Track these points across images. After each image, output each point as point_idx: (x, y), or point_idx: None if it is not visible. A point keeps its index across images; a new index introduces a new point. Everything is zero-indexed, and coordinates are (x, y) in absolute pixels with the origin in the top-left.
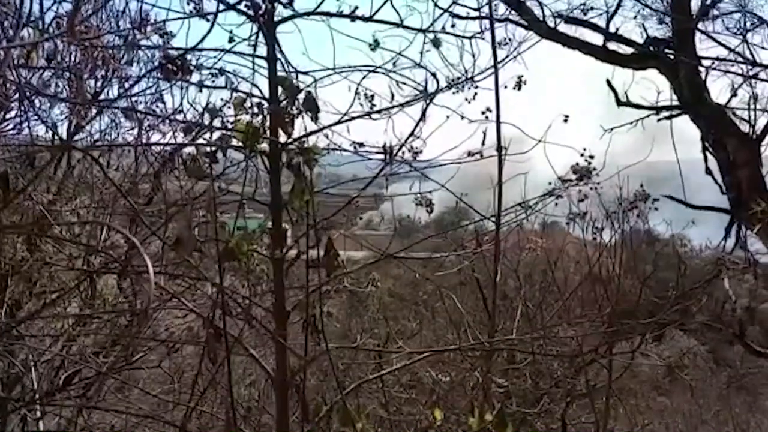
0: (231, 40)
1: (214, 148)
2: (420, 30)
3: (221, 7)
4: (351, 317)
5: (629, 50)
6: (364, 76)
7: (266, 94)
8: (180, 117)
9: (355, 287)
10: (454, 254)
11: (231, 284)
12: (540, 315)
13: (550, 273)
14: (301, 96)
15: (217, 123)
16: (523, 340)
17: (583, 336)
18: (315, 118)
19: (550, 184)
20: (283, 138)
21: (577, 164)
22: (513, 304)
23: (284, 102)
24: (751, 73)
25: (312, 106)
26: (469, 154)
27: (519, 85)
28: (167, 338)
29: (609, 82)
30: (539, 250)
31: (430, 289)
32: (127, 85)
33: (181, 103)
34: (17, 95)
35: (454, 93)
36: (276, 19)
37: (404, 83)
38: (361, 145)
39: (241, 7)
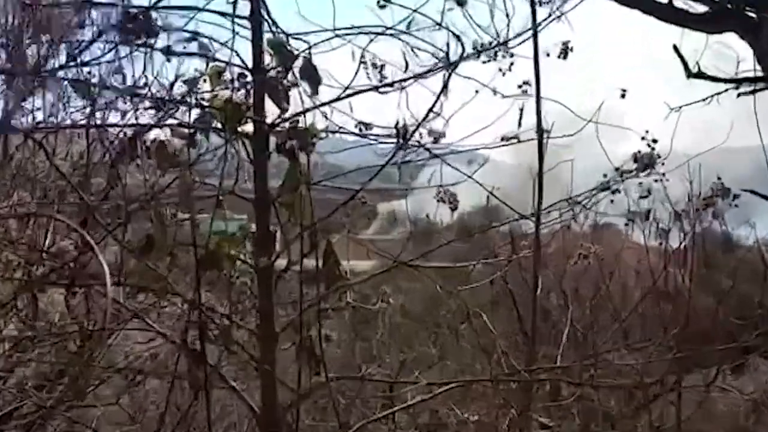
0: None
1: (186, 130)
2: None
3: None
4: (355, 341)
5: (702, 8)
6: (371, 40)
7: (250, 63)
8: (143, 92)
9: (361, 304)
10: (483, 263)
11: (206, 301)
12: (591, 338)
13: (603, 286)
14: (297, 63)
15: (189, 99)
16: (570, 369)
17: (646, 365)
18: (315, 91)
19: (604, 176)
20: (271, 117)
21: (638, 151)
22: (557, 326)
23: (274, 71)
24: None
25: (312, 75)
26: (503, 138)
27: (564, 52)
28: (127, 367)
29: (676, 49)
30: (590, 257)
31: (454, 306)
32: (77, 52)
33: (144, 75)
34: None
35: (483, 62)
36: None
37: (421, 49)
38: (369, 126)
39: None
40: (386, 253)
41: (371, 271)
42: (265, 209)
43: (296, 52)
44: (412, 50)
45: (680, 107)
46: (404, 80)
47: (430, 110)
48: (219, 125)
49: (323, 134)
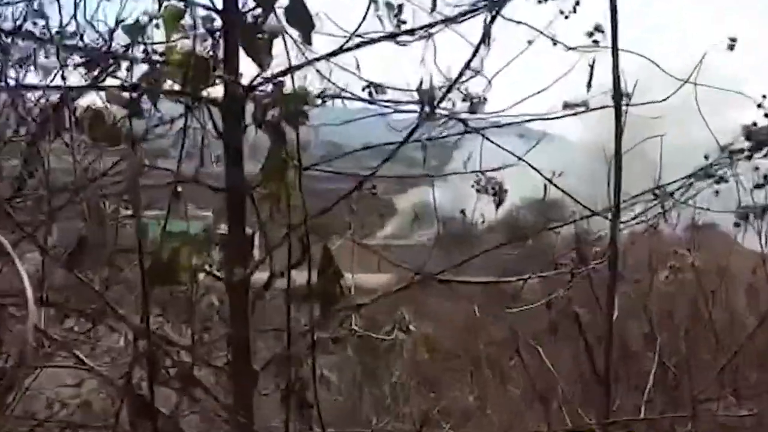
0: None
1: (131, 95)
2: None
3: None
4: (362, 385)
5: None
6: None
7: (219, 2)
8: (73, 42)
9: (370, 333)
10: (539, 277)
11: (159, 327)
12: (688, 380)
13: (705, 310)
14: (283, 2)
15: (136, 52)
16: (658, 422)
17: (762, 418)
18: (307, 41)
19: (705, 157)
20: (248, 77)
21: (753, 124)
22: (640, 363)
23: (251, 14)
24: None
25: (302, 19)
26: (566, 105)
27: None
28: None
29: None
30: (686, 269)
31: (498, 336)
32: None
33: (74, 19)
34: None
35: (538, 1)
36: None
37: None
38: (382, 89)
39: None
40: (405, 263)
41: (385, 287)
42: (239, 203)
43: None
44: None
45: None
46: (430, 26)
47: (466, 67)
48: (176, 88)
49: (319, 101)
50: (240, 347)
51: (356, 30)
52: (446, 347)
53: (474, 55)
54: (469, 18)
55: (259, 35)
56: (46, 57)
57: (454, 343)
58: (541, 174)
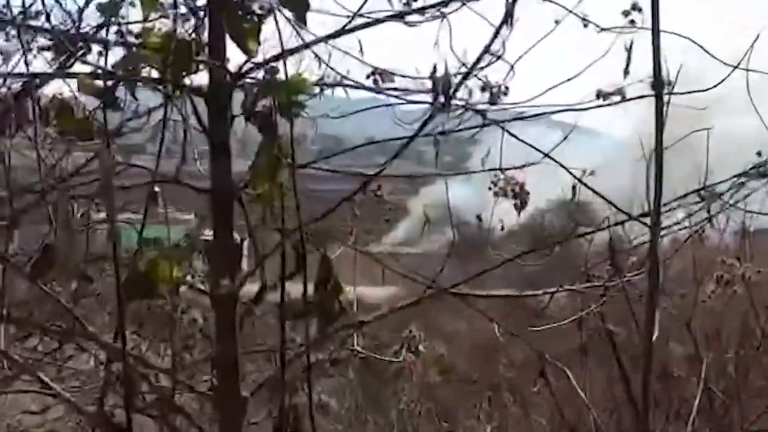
0: None
1: (103, 83)
2: None
3: None
4: (366, 412)
5: None
6: None
7: None
8: (38, 23)
9: (375, 354)
10: (566, 290)
11: (135, 346)
12: (738, 408)
13: (757, 328)
14: None
15: (110, 34)
16: None
17: None
18: (301, 21)
19: (758, 154)
20: (235, 63)
21: None
22: (684, 388)
23: None
24: None
25: None
26: (599, 95)
27: None
28: None
29: None
30: (736, 282)
31: (520, 358)
32: None
33: None
34: None
35: None
36: None
37: None
38: (389, 76)
39: None
40: (415, 274)
41: (391, 302)
42: (226, 206)
43: None
44: None
45: None
46: (444, 3)
47: (486, 51)
48: (155, 75)
49: (317, 89)
50: (227, 370)
51: (360, 9)
52: (461, 370)
53: (494, 37)
54: None
55: (248, 16)
56: (7, 40)
57: (470, 366)
58: (569, 172)
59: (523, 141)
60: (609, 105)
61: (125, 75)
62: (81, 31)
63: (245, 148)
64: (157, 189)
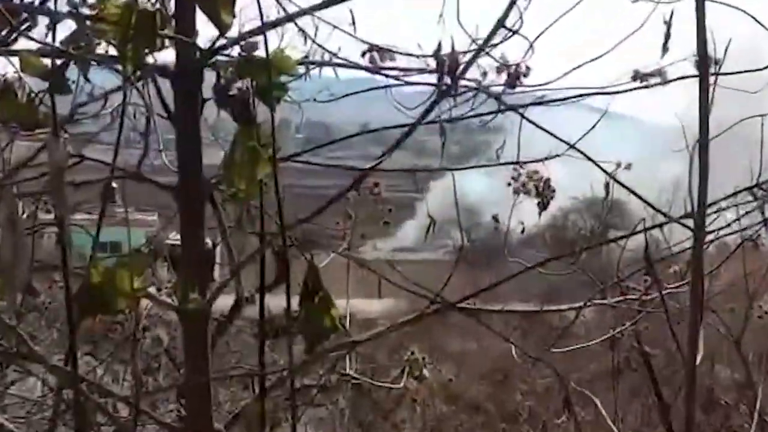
0: None
1: (54, 61)
2: None
3: None
4: None
5: None
6: None
7: None
8: None
9: (371, 380)
10: (594, 305)
11: (90, 370)
12: None
13: None
14: None
15: (59, 4)
16: None
17: None
18: None
19: None
20: (206, 38)
21: None
22: (732, 418)
23: None
24: None
25: None
26: (636, 76)
27: None
28: None
29: None
30: None
31: (540, 384)
32: None
33: None
34: None
35: None
36: None
37: None
38: (387, 53)
39: None
40: (418, 286)
41: (390, 318)
42: (195, 205)
43: None
44: None
45: None
46: None
47: (500, 25)
48: (113, 52)
49: (301, 69)
50: (197, 397)
51: None
52: (472, 397)
53: (510, 7)
54: None
55: None
56: None
57: (482, 393)
58: (599, 166)
59: (544, 129)
60: (646, 87)
61: (77, 53)
62: (25, 0)
63: (218, 137)
64: (114, 185)
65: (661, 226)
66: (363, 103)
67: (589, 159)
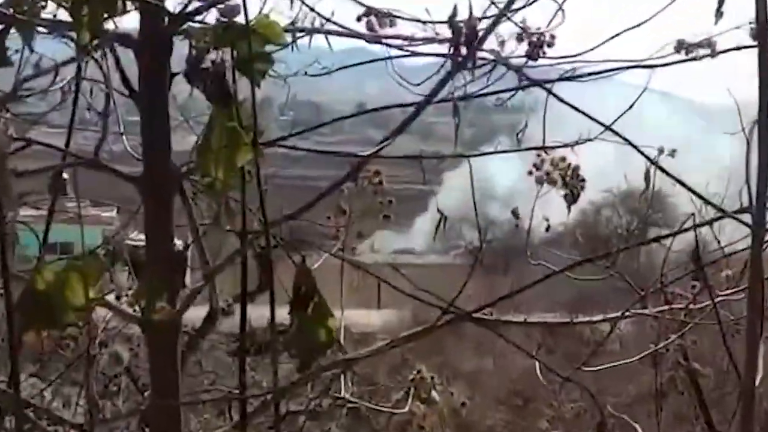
0: None
1: None
2: None
3: None
4: None
5: None
6: None
7: None
8: None
9: (370, 404)
10: (633, 316)
11: (35, 394)
12: None
13: None
14: None
15: None
16: None
17: None
18: None
19: None
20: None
21: None
22: None
23: None
24: None
25: None
26: (681, 47)
27: None
28: None
29: None
30: None
31: (570, 409)
32: None
33: None
34: None
35: None
36: None
37: None
38: (388, 18)
39: None
40: (425, 294)
41: (391, 331)
42: (162, 199)
43: None
44: None
45: None
46: None
47: None
48: (63, 17)
49: (288, 37)
50: (163, 425)
51: None
52: (488, 425)
53: None
54: None
55: None
56: None
57: (501, 419)
58: (640, 152)
59: (575, 108)
60: (693, 60)
61: (21, 19)
62: None
63: (190, 119)
64: (66, 175)
65: (712, 222)
66: (360, 79)
67: (628, 142)
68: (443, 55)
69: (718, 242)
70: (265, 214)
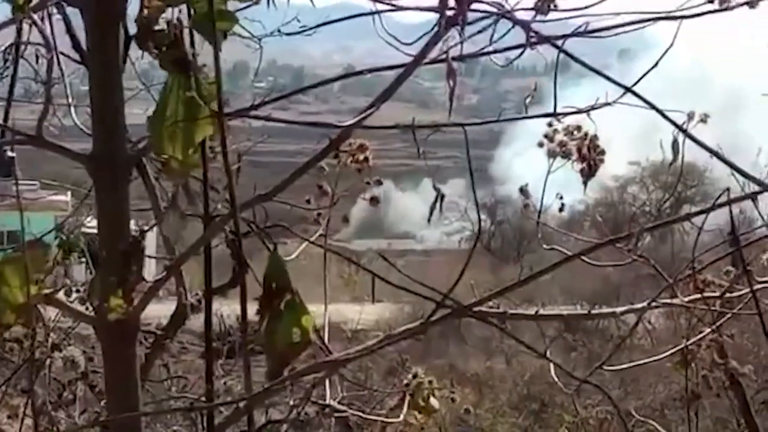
0: None
1: None
2: None
3: None
4: None
5: None
6: None
7: None
8: None
9: (361, 413)
10: (661, 306)
11: None
12: None
13: None
14: None
15: None
16: None
17: None
18: None
19: None
20: None
21: None
22: None
23: None
24: None
25: None
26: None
27: None
28: None
29: None
30: None
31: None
32: None
33: None
34: None
35: None
36: None
37: None
38: None
39: None
40: (422, 284)
41: (384, 327)
42: (116, 180)
43: None
44: None
45: None
46: None
47: None
48: None
49: None
50: None
51: None
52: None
53: None
54: None
55: None
56: None
57: (513, 428)
58: (667, 118)
59: (590, 67)
60: (727, 10)
61: None
62: None
63: (150, 87)
64: (11, 154)
65: (753, 197)
66: (344, 39)
67: (652, 107)
68: (433, 9)
69: (763, 219)
70: (233, 194)
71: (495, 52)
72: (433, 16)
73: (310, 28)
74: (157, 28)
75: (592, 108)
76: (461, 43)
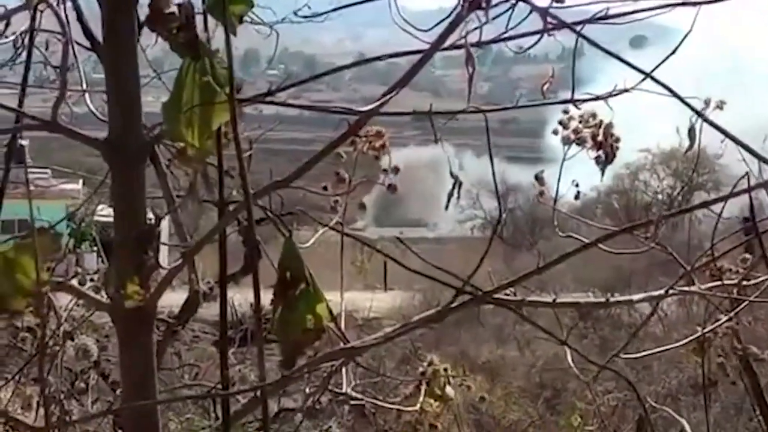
0: None
1: None
2: None
3: None
4: None
5: None
6: None
7: None
8: None
9: (376, 399)
10: (676, 294)
11: None
12: None
13: None
14: None
15: None
16: None
17: None
18: None
19: None
20: None
21: None
22: None
23: None
24: None
25: None
26: None
27: None
28: None
29: None
30: None
31: (606, 402)
32: None
33: None
34: None
35: None
36: None
37: None
38: None
39: None
40: (437, 272)
41: (399, 315)
42: (131, 167)
43: None
44: None
45: None
46: None
47: None
48: None
49: None
50: (138, 427)
51: None
52: (511, 421)
53: None
54: None
55: None
56: None
57: (527, 415)
58: (684, 102)
59: (608, 52)
60: None
61: None
62: None
63: (162, 75)
64: (24, 142)
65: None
66: (357, 26)
67: (672, 92)
68: None
69: None
70: (245, 181)
71: (513, 38)
72: (446, 4)
73: (322, 13)
74: (168, 11)
75: (610, 95)
76: (480, 28)
